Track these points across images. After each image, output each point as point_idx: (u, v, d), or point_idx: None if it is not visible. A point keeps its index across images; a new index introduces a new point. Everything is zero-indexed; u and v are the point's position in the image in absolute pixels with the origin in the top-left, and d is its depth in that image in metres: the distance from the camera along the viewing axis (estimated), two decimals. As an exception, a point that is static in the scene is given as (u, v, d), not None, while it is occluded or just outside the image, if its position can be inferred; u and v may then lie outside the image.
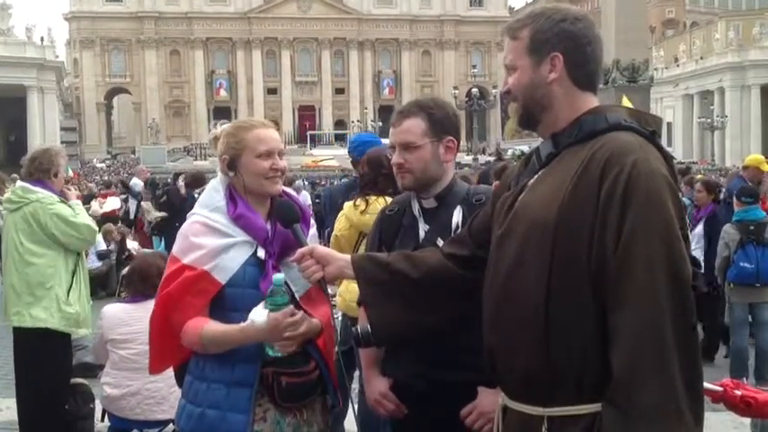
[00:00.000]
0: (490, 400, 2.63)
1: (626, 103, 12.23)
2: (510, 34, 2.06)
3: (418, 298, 2.39)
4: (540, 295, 1.87)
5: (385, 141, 8.69)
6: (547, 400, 1.90)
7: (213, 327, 2.57)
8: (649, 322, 1.73)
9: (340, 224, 4.34)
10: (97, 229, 5.17)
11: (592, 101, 2.04)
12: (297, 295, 2.61)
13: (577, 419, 1.85)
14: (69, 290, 4.99)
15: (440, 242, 2.74)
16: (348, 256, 2.52)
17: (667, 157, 1.91)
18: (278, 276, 2.51)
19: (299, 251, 2.50)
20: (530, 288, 1.90)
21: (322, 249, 2.52)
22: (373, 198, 4.20)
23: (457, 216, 2.80)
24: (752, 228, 7.29)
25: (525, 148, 18.32)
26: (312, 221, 2.90)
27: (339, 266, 2.46)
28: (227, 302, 2.61)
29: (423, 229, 2.86)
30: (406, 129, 2.83)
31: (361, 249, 4.12)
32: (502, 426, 2.12)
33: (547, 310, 1.87)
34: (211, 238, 2.61)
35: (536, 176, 2.03)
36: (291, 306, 2.51)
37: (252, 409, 2.59)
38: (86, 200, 14.28)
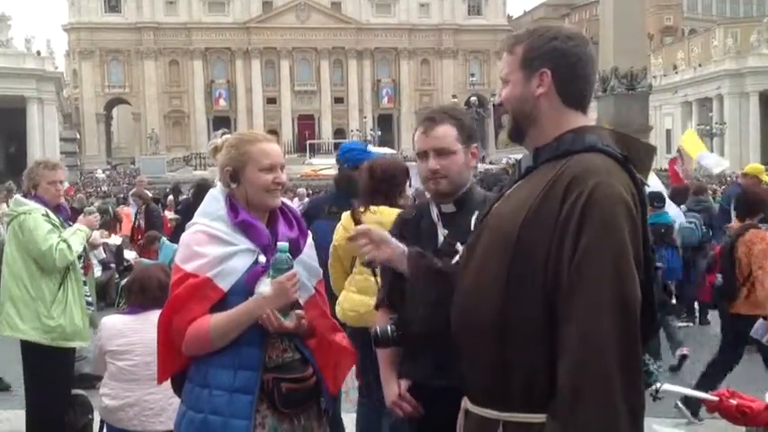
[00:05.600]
0: None
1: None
2: (507, 49, 2.16)
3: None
4: (496, 305, 1.94)
5: (383, 151, 8.66)
6: (503, 406, 1.96)
7: (221, 315, 2.62)
8: (593, 340, 1.78)
9: (338, 234, 4.35)
10: (57, 259, 4.94)
11: (579, 119, 2.09)
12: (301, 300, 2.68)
13: (530, 427, 1.90)
14: (54, 302, 5.00)
15: (459, 246, 2.76)
16: (404, 247, 2.60)
17: (637, 184, 1.96)
18: (282, 243, 2.60)
19: (358, 228, 2.60)
20: (488, 296, 1.97)
21: (379, 232, 2.61)
22: (374, 207, 4.15)
23: (475, 221, 2.78)
24: (663, 231, 8.00)
25: (515, 158, 18.27)
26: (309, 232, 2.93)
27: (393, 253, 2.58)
28: (229, 309, 2.63)
29: (441, 233, 2.89)
30: (440, 135, 2.87)
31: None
32: (463, 428, 2.19)
33: (502, 320, 1.93)
34: (214, 247, 2.65)
35: (512, 188, 2.11)
36: (295, 270, 2.61)
37: (253, 415, 2.62)
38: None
